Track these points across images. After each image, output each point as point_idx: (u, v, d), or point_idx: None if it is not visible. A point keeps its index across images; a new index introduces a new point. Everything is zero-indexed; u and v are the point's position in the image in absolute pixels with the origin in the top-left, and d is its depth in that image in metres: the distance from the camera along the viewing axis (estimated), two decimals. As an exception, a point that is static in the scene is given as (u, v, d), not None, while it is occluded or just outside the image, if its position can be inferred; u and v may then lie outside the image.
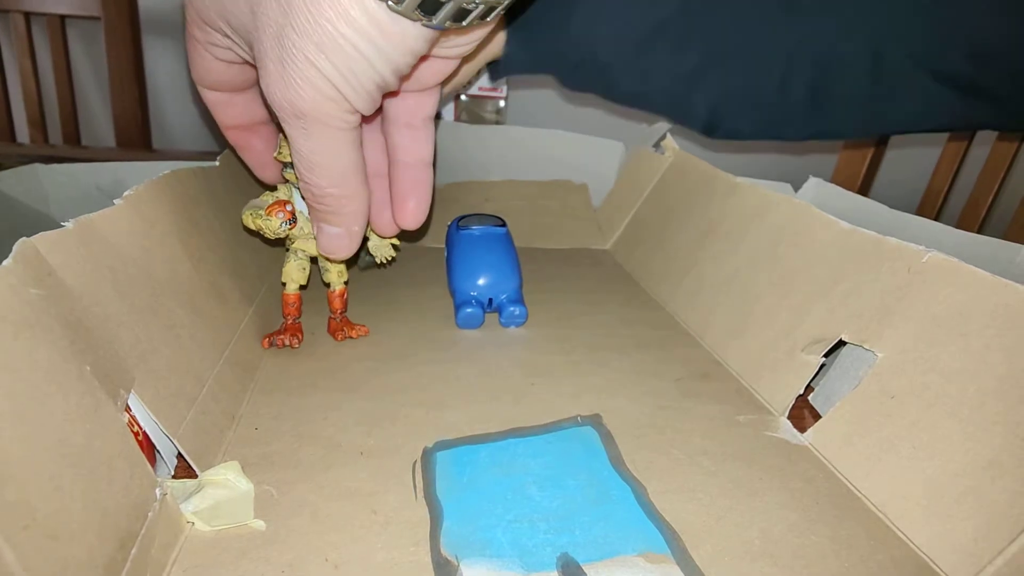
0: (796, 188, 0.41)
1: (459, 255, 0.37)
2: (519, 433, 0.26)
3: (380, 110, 0.29)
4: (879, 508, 0.22)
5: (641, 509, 0.21)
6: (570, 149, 0.55)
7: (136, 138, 0.86)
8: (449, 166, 0.52)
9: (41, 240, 0.18)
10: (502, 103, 0.63)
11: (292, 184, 0.30)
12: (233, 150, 0.34)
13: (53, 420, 0.16)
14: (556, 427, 0.26)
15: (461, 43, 0.25)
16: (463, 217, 0.39)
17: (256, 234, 0.30)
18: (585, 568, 0.19)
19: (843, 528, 0.21)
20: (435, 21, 0.21)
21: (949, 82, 0.39)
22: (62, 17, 0.84)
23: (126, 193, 0.24)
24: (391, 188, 0.31)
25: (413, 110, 0.29)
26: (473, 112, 0.63)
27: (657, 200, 0.47)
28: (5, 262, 0.16)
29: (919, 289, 0.24)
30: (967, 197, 0.72)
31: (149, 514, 0.18)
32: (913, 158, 0.95)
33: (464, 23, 0.22)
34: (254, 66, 0.27)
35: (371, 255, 0.34)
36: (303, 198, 0.30)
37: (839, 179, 0.76)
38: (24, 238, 0.17)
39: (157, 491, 0.19)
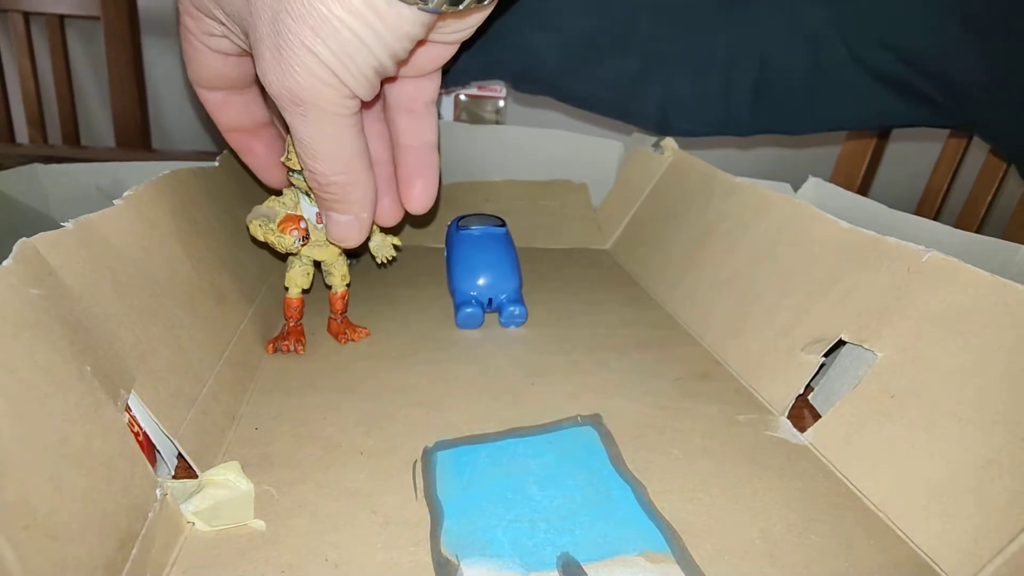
0: (795, 188, 0.41)
1: (459, 255, 0.37)
2: (519, 433, 0.26)
3: (379, 97, 0.29)
4: (879, 507, 0.22)
5: (641, 509, 0.21)
6: (570, 149, 0.55)
7: (136, 138, 0.86)
8: (449, 166, 0.52)
9: (41, 240, 0.18)
10: (502, 103, 0.63)
11: (300, 190, 0.30)
12: (235, 153, 0.34)
13: (53, 420, 0.16)
14: (556, 427, 0.26)
15: (459, 28, 0.25)
16: (463, 217, 0.39)
17: (263, 244, 0.29)
18: (585, 568, 0.19)
19: (843, 527, 0.21)
20: (431, 5, 0.21)
21: (886, 81, 0.40)
22: (61, 17, 0.84)
23: (126, 193, 0.24)
24: (397, 173, 0.30)
25: (413, 96, 0.28)
26: (473, 112, 0.63)
27: (657, 200, 0.47)
28: (5, 262, 0.16)
29: (918, 288, 0.24)
30: (966, 196, 0.72)
31: (149, 514, 0.18)
32: (912, 158, 0.95)
33: (460, 7, 0.22)
34: (251, 56, 0.27)
35: (355, 258, 0.34)
36: (307, 193, 0.30)
37: (838, 179, 0.76)
38: (24, 238, 0.17)
39: (157, 491, 0.19)
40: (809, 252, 0.30)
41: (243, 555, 0.19)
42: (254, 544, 0.19)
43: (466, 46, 0.28)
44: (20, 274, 0.17)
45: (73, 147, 0.82)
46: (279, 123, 0.33)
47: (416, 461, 0.24)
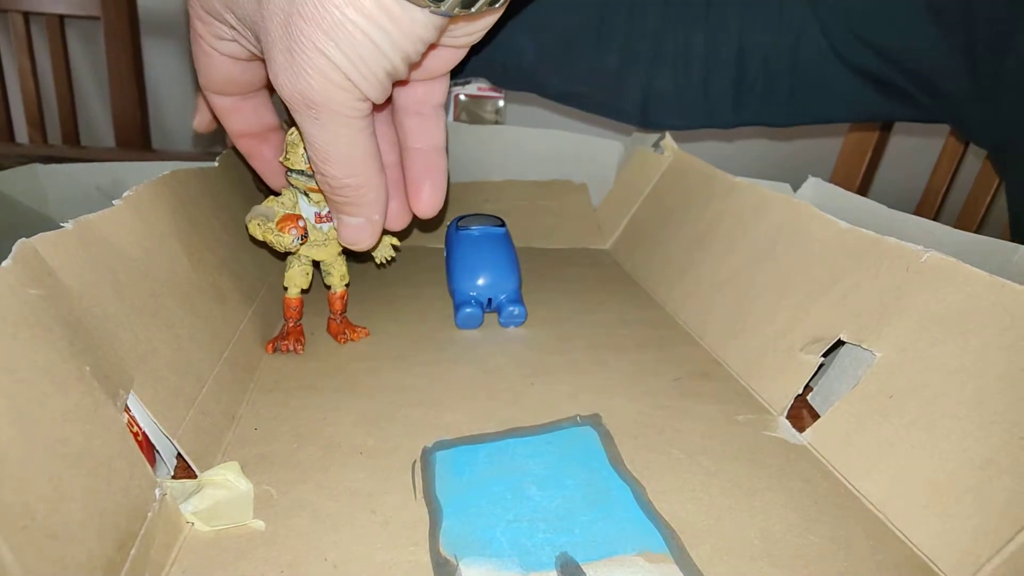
0: (795, 188, 0.41)
1: (458, 255, 0.37)
2: (518, 433, 0.26)
3: (389, 100, 0.29)
4: (878, 507, 0.22)
5: (640, 509, 0.21)
6: (569, 149, 0.55)
7: (135, 138, 0.86)
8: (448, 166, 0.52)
9: (40, 240, 0.18)
10: (501, 103, 0.63)
11: (297, 189, 0.30)
12: (240, 156, 0.34)
13: (52, 420, 0.16)
14: (555, 427, 0.26)
15: (470, 31, 0.25)
16: (462, 217, 0.39)
17: (262, 244, 0.30)
18: (584, 568, 0.19)
19: (842, 528, 0.21)
20: (444, 7, 0.21)
21: (865, 76, 0.41)
22: (61, 17, 0.84)
23: (126, 193, 0.24)
24: (405, 175, 0.30)
25: (422, 99, 0.28)
26: (472, 112, 0.63)
27: (656, 200, 0.47)
28: (4, 262, 0.16)
29: (918, 288, 0.24)
30: (966, 196, 0.72)
31: (148, 514, 0.18)
32: (912, 157, 0.95)
33: (473, 9, 0.22)
34: (261, 60, 0.27)
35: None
36: (305, 193, 0.30)
37: (838, 179, 0.76)
38: (23, 238, 0.17)
39: (156, 491, 0.19)
40: (808, 252, 0.30)
41: (242, 555, 0.19)
42: (253, 544, 0.19)
43: (475, 50, 0.28)
44: (19, 274, 0.17)
45: (73, 147, 0.82)
46: (288, 126, 0.33)
47: (415, 461, 0.24)
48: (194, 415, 0.23)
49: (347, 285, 0.33)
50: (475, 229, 0.37)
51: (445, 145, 0.30)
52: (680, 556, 0.19)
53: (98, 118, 1.00)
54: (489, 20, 0.25)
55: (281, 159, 0.29)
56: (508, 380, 0.30)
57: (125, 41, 0.84)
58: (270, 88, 0.31)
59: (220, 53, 0.27)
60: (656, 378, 0.31)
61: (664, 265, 0.41)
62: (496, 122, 0.63)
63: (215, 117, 0.34)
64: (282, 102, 0.24)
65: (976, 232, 0.37)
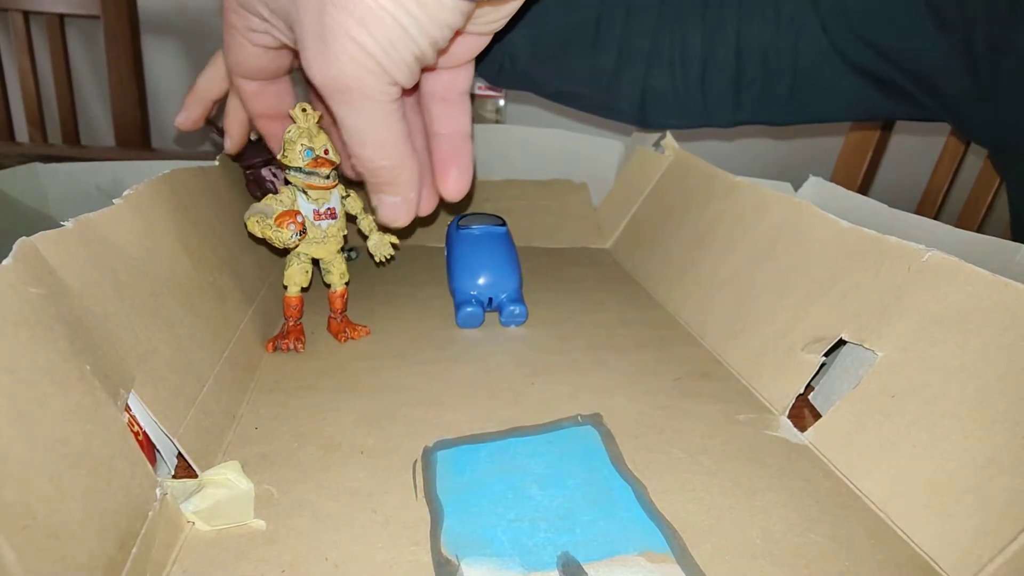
0: (796, 187, 0.41)
1: (459, 254, 0.37)
2: (519, 432, 0.26)
3: (416, 88, 0.30)
4: (879, 507, 0.22)
5: (642, 508, 0.21)
6: (570, 148, 0.55)
7: (135, 137, 0.86)
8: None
9: (41, 239, 0.18)
10: (501, 102, 0.63)
11: (295, 187, 0.30)
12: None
13: (53, 420, 0.16)
14: (556, 426, 0.26)
15: (494, 18, 0.26)
16: (463, 216, 0.39)
17: (261, 241, 0.30)
18: (586, 567, 0.19)
19: (843, 527, 0.21)
20: None
21: (865, 75, 0.41)
22: (61, 16, 0.84)
23: (126, 193, 0.24)
24: (432, 161, 0.31)
25: (448, 85, 0.30)
26: (473, 112, 0.63)
27: (657, 199, 0.47)
28: (5, 261, 0.16)
29: (919, 288, 0.24)
30: (967, 196, 0.72)
31: (149, 514, 0.18)
32: (913, 156, 0.95)
33: None
34: (291, 50, 0.29)
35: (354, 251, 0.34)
36: (304, 191, 0.30)
37: (839, 178, 0.76)
38: (24, 237, 0.17)
39: (157, 491, 0.19)
40: (809, 251, 0.30)
41: (243, 555, 0.19)
42: (254, 544, 0.19)
43: (497, 38, 0.30)
44: (20, 273, 0.16)
45: (73, 146, 0.82)
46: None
47: (416, 461, 0.24)
48: (195, 414, 0.23)
49: (347, 284, 0.33)
50: (476, 228, 0.37)
51: (471, 131, 0.31)
52: (682, 556, 0.19)
53: (98, 117, 1.00)
54: (513, 6, 0.26)
55: (280, 156, 0.29)
56: (509, 379, 0.30)
57: (125, 40, 0.83)
58: (290, 76, 0.33)
59: (252, 43, 0.28)
60: (656, 378, 0.31)
61: (664, 265, 0.41)
62: (496, 121, 0.63)
63: (210, 120, 0.36)
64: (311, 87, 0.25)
65: (977, 231, 0.37)
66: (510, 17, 0.27)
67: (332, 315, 0.34)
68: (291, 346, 0.31)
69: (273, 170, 0.38)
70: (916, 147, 0.95)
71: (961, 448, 0.20)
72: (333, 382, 0.29)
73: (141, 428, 0.20)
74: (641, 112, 0.47)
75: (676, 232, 0.42)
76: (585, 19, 0.43)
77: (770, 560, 0.20)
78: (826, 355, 0.27)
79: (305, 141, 0.29)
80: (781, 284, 0.31)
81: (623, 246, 0.49)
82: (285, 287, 0.31)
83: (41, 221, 0.40)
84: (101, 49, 0.86)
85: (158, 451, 0.22)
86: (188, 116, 0.36)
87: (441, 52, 0.26)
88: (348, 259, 0.34)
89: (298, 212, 0.29)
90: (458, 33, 0.26)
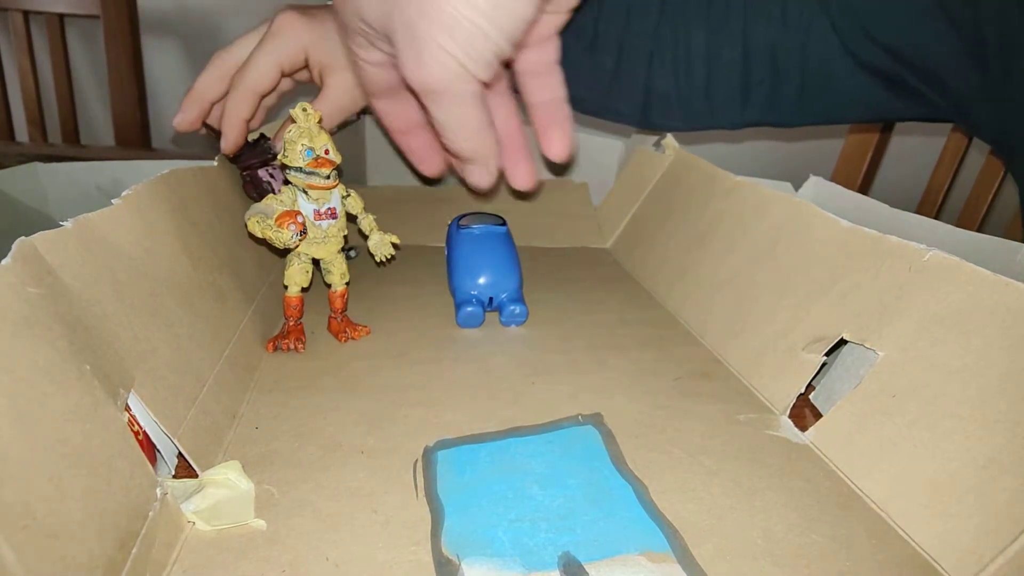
0: (796, 187, 0.41)
1: (459, 254, 0.37)
2: (520, 432, 0.25)
3: (502, 76, 0.34)
4: (880, 507, 0.22)
5: (642, 508, 0.21)
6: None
7: (135, 137, 0.86)
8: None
9: (40, 239, 0.18)
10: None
11: (296, 187, 0.30)
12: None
13: (52, 419, 0.16)
14: (557, 426, 0.26)
15: None
16: (463, 216, 0.39)
17: (262, 241, 0.30)
18: (587, 567, 0.19)
19: (844, 527, 0.21)
20: None
21: (875, 74, 0.40)
22: (61, 16, 0.84)
23: (125, 192, 0.24)
24: (534, 128, 0.35)
25: (537, 60, 0.34)
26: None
27: (657, 199, 0.47)
28: (4, 261, 0.16)
29: (920, 288, 0.24)
30: (967, 195, 0.72)
31: (149, 514, 0.18)
32: (913, 156, 0.95)
33: None
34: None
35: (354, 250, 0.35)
36: (304, 191, 0.30)
37: (839, 178, 0.76)
38: (23, 237, 0.17)
39: (157, 491, 0.19)
40: (810, 251, 0.30)
41: (243, 555, 0.19)
42: (254, 544, 0.19)
43: (576, 11, 0.32)
44: (19, 273, 0.16)
45: (73, 146, 0.82)
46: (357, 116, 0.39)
47: (417, 460, 0.24)
48: (195, 414, 0.23)
49: (348, 284, 0.33)
50: (476, 228, 0.37)
51: (565, 96, 0.35)
52: (683, 556, 0.19)
53: (98, 117, 1.00)
54: None
55: (280, 156, 0.29)
56: (509, 379, 0.30)
57: (125, 40, 0.83)
58: None
59: (368, 64, 0.31)
60: (657, 377, 0.31)
61: (664, 264, 0.41)
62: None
63: (207, 122, 0.37)
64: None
65: (978, 231, 0.37)
66: None
67: (332, 315, 0.33)
68: (291, 346, 0.31)
69: (270, 171, 0.38)
70: (916, 147, 0.95)
71: (962, 448, 0.20)
72: (333, 382, 0.29)
73: (141, 428, 0.20)
74: (643, 114, 0.47)
75: (676, 232, 0.42)
76: (584, 19, 0.43)
77: (771, 560, 0.20)
78: (827, 355, 0.27)
79: (306, 141, 0.29)
80: (781, 284, 0.31)
81: (623, 246, 0.49)
82: (285, 287, 0.31)
83: (41, 221, 0.40)
84: (101, 49, 0.86)
85: (158, 451, 0.22)
86: (185, 117, 0.37)
87: (520, 45, 0.28)
88: (348, 258, 0.34)
89: (298, 212, 0.29)
90: (536, 21, 0.28)
